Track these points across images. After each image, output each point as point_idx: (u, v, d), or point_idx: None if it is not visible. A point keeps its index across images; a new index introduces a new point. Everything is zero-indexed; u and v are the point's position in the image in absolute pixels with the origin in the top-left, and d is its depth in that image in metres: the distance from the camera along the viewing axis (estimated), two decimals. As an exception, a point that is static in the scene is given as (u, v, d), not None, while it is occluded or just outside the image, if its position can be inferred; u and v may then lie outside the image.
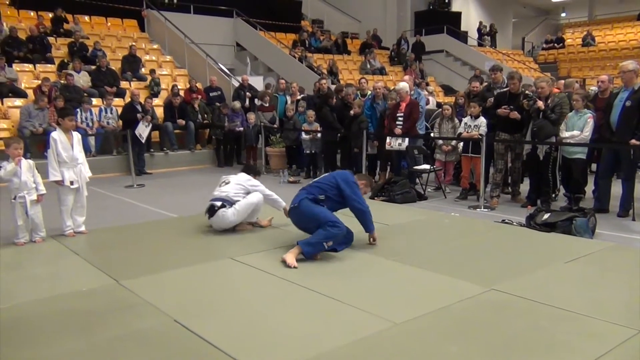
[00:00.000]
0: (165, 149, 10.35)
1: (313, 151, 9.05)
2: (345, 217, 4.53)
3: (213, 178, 8.44)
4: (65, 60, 11.06)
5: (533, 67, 19.32)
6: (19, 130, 8.94)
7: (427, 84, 14.15)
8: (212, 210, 5.10)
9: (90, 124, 9.62)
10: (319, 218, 4.32)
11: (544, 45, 21.93)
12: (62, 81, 10.20)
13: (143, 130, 9.24)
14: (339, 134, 8.55)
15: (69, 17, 12.70)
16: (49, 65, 11.05)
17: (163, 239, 5.14)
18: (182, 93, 10.97)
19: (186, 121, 10.42)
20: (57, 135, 5.03)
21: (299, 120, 9.40)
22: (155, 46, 13.50)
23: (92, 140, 9.50)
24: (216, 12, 14.82)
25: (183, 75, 12.70)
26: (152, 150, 10.06)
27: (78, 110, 9.36)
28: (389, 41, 18.67)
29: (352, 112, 8.21)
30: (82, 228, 5.23)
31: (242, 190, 5.21)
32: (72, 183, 5.05)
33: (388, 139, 7.53)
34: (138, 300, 3.50)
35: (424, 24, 18.83)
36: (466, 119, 7.08)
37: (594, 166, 7.60)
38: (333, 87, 10.03)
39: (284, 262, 4.14)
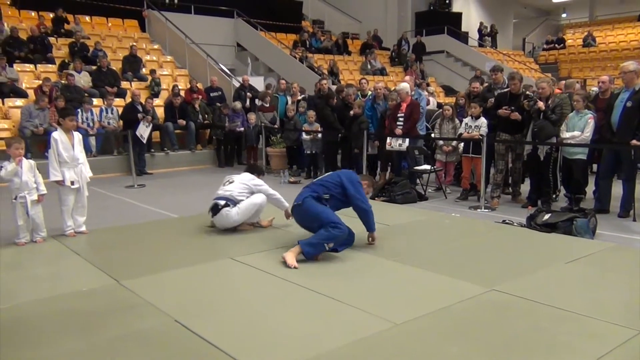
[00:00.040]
0: (165, 149, 10.35)
1: (314, 151, 9.05)
2: (347, 217, 4.53)
3: (213, 178, 8.46)
4: (66, 61, 11.07)
5: (534, 67, 19.32)
6: (19, 131, 8.94)
7: (428, 85, 14.16)
8: (215, 209, 5.11)
9: (91, 124, 9.63)
10: (321, 218, 4.32)
11: (545, 46, 21.94)
12: (62, 81, 10.20)
13: (144, 131, 9.24)
14: (339, 135, 8.55)
15: (70, 17, 12.72)
16: (50, 65, 11.06)
17: (164, 239, 5.14)
18: (182, 93, 10.98)
19: (187, 121, 10.43)
20: (58, 135, 5.03)
21: (300, 120, 9.41)
22: (156, 46, 13.51)
23: (92, 141, 9.50)
24: (217, 12, 14.84)
25: (184, 75, 12.71)
26: (152, 150, 10.07)
27: (79, 110, 9.36)
28: (389, 42, 18.67)
29: (352, 112, 8.21)
30: (83, 228, 5.23)
31: (246, 189, 5.22)
32: (72, 183, 5.06)
33: (388, 140, 7.53)
34: (139, 300, 3.50)
35: (424, 25, 18.83)
36: (467, 120, 7.08)
37: (594, 167, 7.59)
38: (334, 87, 10.03)
39: (284, 261, 4.14)
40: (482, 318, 3.21)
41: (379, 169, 8.52)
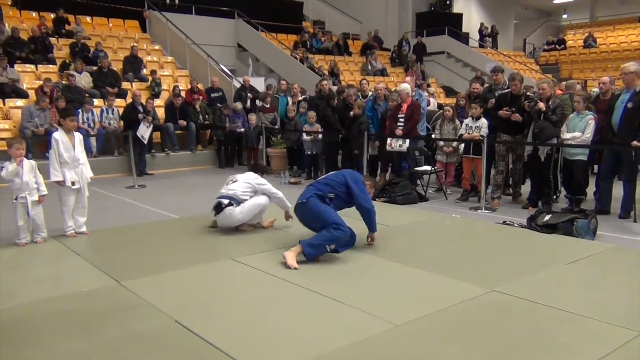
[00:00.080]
0: (166, 149, 10.36)
1: (314, 152, 9.05)
2: (348, 218, 4.52)
3: (214, 179, 8.48)
4: (67, 61, 11.08)
5: (534, 68, 19.32)
6: (20, 131, 8.95)
7: (429, 85, 14.15)
8: (219, 208, 5.12)
9: (92, 124, 9.64)
10: (324, 218, 4.33)
11: (545, 47, 21.93)
12: (63, 82, 10.21)
13: (144, 131, 9.25)
14: (340, 135, 8.55)
15: (71, 17, 12.73)
16: (51, 65, 11.07)
17: (164, 239, 5.14)
18: (183, 94, 10.99)
19: (187, 122, 10.43)
20: (58, 135, 5.04)
21: (300, 121, 9.41)
22: (156, 47, 13.52)
23: (93, 141, 9.50)
24: (217, 13, 14.85)
25: (184, 76, 12.71)
26: (153, 151, 10.07)
27: (79, 110, 9.37)
28: (390, 42, 18.67)
29: (351, 113, 8.21)
30: (84, 228, 5.23)
31: (249, 188, 5.22)
32: (73, 183, 5.06)
33: (389, 140, 7.53)
34: (139, 301, 3.50)
35: (425, 25, 18.83)
36: (467, 120, 7.08)
37: (595, 168, 7.59)
38: (334, 88, 10.03)
39: (284, 259, 4.14)
40: (482, 319, 3.21)
41: (379, 170, 8.52)
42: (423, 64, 16.92)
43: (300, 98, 10.19)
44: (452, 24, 18.75)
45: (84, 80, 10.61)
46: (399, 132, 7.39)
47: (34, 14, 12.69)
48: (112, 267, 4.20)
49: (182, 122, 10.38)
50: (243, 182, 5.25)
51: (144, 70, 12.07)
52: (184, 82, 12.24)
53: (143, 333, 3.04)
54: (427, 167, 7.58)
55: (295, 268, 4.06)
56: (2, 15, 11.58)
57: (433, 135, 7.96)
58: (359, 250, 4.59)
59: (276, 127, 10.17)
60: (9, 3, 12.83)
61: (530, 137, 6.38)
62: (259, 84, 12.25)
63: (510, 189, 7.06)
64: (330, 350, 2.80)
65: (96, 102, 10.32)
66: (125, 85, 11.37)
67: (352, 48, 17.58)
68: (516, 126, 6.48)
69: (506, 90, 6.86)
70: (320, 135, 8.86)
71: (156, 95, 11.27)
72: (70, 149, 5.05)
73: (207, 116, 10.84)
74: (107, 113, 9.92)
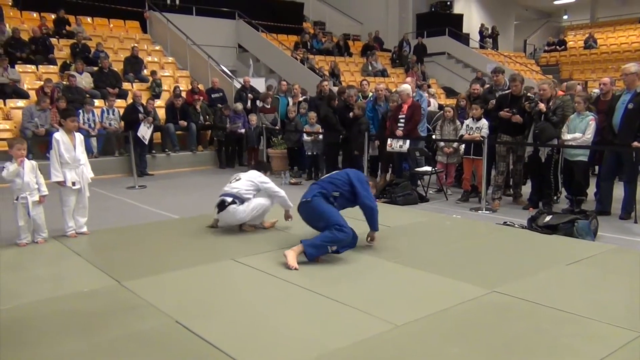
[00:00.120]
0: (167, 150, 10.36)
1: (315, 153, 9.05)
2: (349, 219, 4.52)
3: (215, 179, 8.48)
4: (68, 62, 11.09)
5: (535, 69, 19.31)
6: (21, 131, 8.96)
7: (429, 86, 14.14)
8: (222, 205, 5.13)
9: (93, 125, 9.64)
10: (327, 218, 4.34)
11: (546, 48, 21.92)
12: (64, 82, 10.22)
13: (145, 132, 9.25)
14: (340, 136, 8.56)
15: (72, 18, 12.74)
16: (52, 66, 11.08)
17: (165, 240, 5.14)
18: (184, 94, 10.99)
19: (188, 122, 10.43)
20: (59, 136, 5.04)
21: (301, 122, 9.41)
22: (157, 47, 13.52)
23: (94, 142, 9.51)
24: (218, 13, 14.86)
25: (185, 76, 12.72)
26: (153, 151, 10.08)
27: (80, 111, 9.37)
28: (390, 43, 18.67)
29: (352, 114, 8.21)
30: (84, 229, 5.24)
31: (252, 187, 5.24)
32: (74, 184, 5.06)
33: (389, 141, 7.53)
34: (140, 301, 3.51)
35: (425, 26, 18.83)
36: (468, 121, 7.08)
37: (596, 168, 7.59)
38: (335, 89, 10.03)
39: (285, 258, 4.14)
40: (483, 320, 3.21)
41: (379, 171, 8.52)
42: (423, 65, 16.92)
43: (300, 99, 10.20)
44: (452, 25, 18.75)
45: (84, 80, 10.62)
46: (399, 132, 7.39)
47: (35, 15, 12.71)
48: (112, 267, 4.20)
49: (183, 123, 10.39)
50: (246, 180, 5.27)
51: (145, 71, 12.08)
52: (184, 82, 12.25)
53: (143, 333, 3.04)
54: (428, 168, 7.58)
55: (295, 269, 4.06)
56: (2, 15, 11.60)
57: (433, 136, 7.96)
58: (360, 250, 4.58)
59: (277, 127, 10.17)
60: (10, 3, 12.84)
61: (530, 138, 6.38)
62: (259, 84, 12.26)
63: (511, 190, 7.06)
64: (331, 351, 2.80)
65: (97, 102, 10.33)
66: (125, 85, 11.37)
67: (352, 49, 17.58)
68: (517, 127, 6.48)
69: (507, 91, 6.86)
70: (320, 136, 8.86)
71: (157, 95, 11.28)
72: (71, 149, 5.06)
73: (207, 117, 10.85)
74: (108, 114, 9.92)
